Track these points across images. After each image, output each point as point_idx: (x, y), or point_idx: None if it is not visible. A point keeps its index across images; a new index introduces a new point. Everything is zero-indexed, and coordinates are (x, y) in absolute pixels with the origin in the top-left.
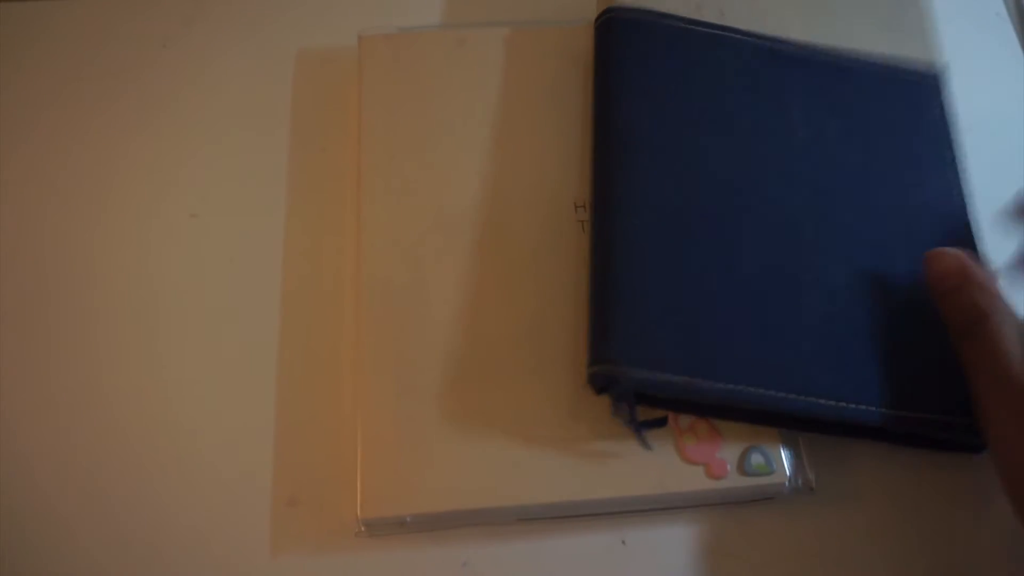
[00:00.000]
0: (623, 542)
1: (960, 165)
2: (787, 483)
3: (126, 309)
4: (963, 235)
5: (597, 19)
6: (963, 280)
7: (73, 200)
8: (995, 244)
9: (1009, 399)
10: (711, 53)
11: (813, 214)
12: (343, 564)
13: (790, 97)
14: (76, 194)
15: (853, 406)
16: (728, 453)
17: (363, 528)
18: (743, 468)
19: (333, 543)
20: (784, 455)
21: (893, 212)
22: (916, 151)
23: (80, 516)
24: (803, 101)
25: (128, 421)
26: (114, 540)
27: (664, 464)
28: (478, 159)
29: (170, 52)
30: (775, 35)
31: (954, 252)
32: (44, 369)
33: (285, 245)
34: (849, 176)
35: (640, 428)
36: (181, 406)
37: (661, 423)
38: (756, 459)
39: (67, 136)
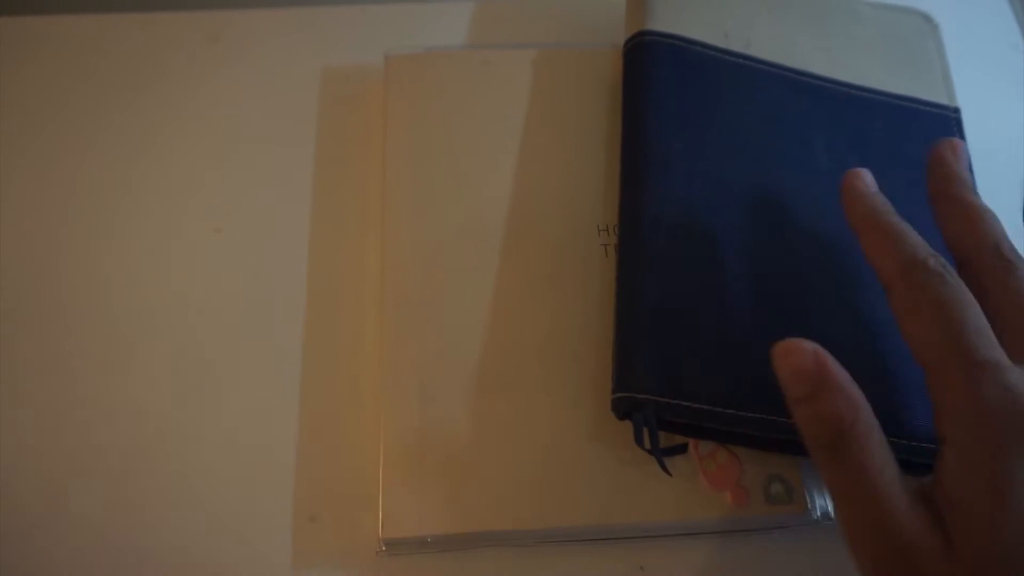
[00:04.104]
0: (641, 568)
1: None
2: (808, 512)
3: (150, 324)
4: None
5: (627, 43)
6: (820, 385)
7: (98, 214)
8: None
9: (876, 540)
10: (738, 81)
11: (835, 244)
12: None
13: (812, 128)
14: (101, 208)
15: None
16: (749, 481)
17: (384, 547)
18: (764, 496)
19: (354, 561)
20: (805, 483)
21: None
22: None
23: (102, 529)
24: (824, 133)
25: (151, 435)
26: (135, 553)
27: (684, 491)
28: (501, 179)
29: (196, 68)
30: (798, 68)
31: (810, 348)
32: (67, 383)
33: (309, 260)
34: None
35: (661, 454)
36: (204, 421)
37: (682, 450)
38: (777, 487)
39: (93, 150)
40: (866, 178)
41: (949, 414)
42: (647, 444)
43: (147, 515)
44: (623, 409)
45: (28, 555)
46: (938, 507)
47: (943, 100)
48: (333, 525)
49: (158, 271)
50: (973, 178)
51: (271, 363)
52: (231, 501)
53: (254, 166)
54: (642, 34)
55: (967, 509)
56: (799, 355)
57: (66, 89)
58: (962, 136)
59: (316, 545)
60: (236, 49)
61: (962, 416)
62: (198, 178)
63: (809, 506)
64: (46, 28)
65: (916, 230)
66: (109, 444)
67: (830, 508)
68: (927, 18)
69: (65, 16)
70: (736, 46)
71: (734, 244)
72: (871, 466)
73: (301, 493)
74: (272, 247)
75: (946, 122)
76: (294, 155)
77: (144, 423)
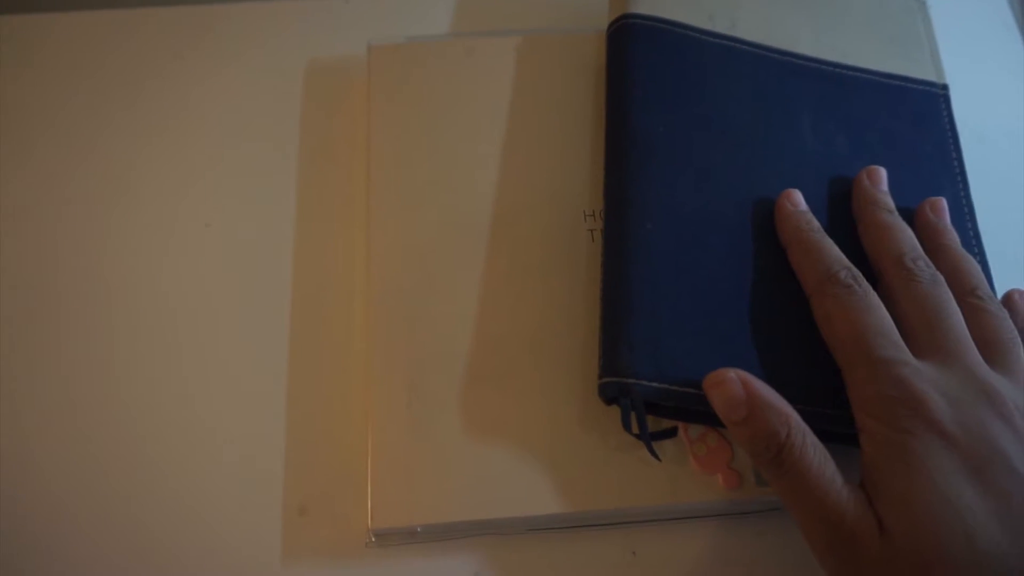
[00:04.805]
0: (633, 553)
1: (965, 178)
2: None
3: (139, 318)
4: (968, 247)
5: (610, 26)
6: (752, 407)
7: (86, 210)
8: (999, 255)
9: (826, 530)
10: (723, 63)
11: (822, 226)
12: (353, 573)
13: (799, 109)
14: (89, 204)
15: None
16: (740, 463)
17: (373, 538)
18: (755, 478)
19: (343, 552)
20: None
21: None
22: (921, 164)
23: (91, 523)
24: (811, 113)
25: (140, 429)
26: (125, 548)
27: (675, 475)
28: (487, 167)
29: (182, 63)
30: (785, 48)
31: (734, 376)
32: (56, 376)
33: (295, 252)
34: None
35: (650, 439)
36: (192, 414)
37: (671, 434)
38: None
39: (80, 146)
40: (794, 197)
41: (859, 406)
42: (635, 429)
43: (136, 509)
44: (609, 394)
45: (14, 550)
46: (867, 491)
47: (931, 77)
48: (322, 518)
49: (146, 265)
50: (966, 189)
51: (259, 357)
52: (220, 495)
53: (242, 159)
54: (625, 17)
55: (883, 487)
56: (727, 384)
57: (51, 86)
58: (950, 112)
59: (306, 538)
60: (221, 43)
61: (867, 406)
62: (186, 173)
63: None
64: (28, 26)
65: (911, 207)
66: (96, 437)
67: None
68: None
69: (49, 14)
70: (721, 27)
71: (719, 227)
72: (810, 468)
73: (290, 486)
74: (261, 240)
75: (934, 99)
76: (280, 148)
77: (131, 417)
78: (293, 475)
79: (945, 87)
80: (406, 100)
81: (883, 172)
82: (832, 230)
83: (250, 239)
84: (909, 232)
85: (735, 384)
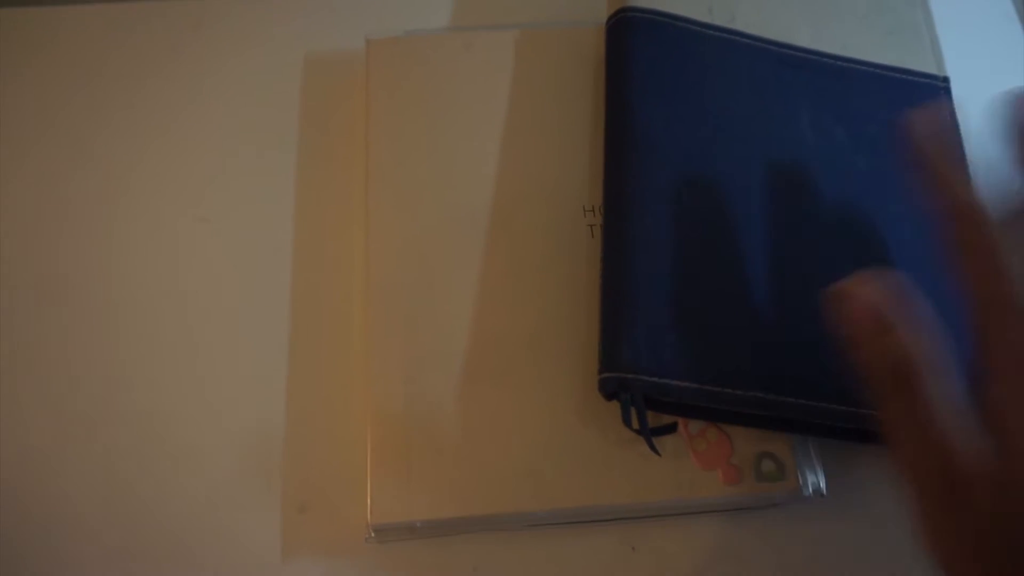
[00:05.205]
0: (633, 548)
1: (967, 169)
2: (798, 489)
3: (135, 314)
4: None
5: (609, 19)
6: (890, 322)
7: (82, 205)
8: None
9: (933, 479)
10: (722, 56)
11: (822, 219)
12: (353, 570)
13: (799, 102)
14: (85, 199)
15: (864, 411)
16: (740, 459)
17: (373, 534)
18: (755, 474)
19: (343, 549)
20: (796, 460)
21: (899, 217)
22: None
23: (91, 520)
24: (811, 107)
25: (138, 425)
26: (125, 544)
27: (675, 470)
28: (486, 162)
29: (178, 57)
30: (784, 41)
31: (875, 285)
32: (54, 373)
33: (294, 248)
34: (856, 182)
35: (650, 434)
36: (190, 411)
37: (671, 429)
38: (767, 465)
39: (76, 141)
40: (931, 116)
41: (1000, 348)
42: (635, 424)
43: (136, 506)
44: (609, 389)
45: (14, 546)
46: (990, 435)
47: (932, 69)
48: (322, 514)
49: (142, 262)
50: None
51: (258, 353)
52: (220, 492)
53: (239, 154)
54: (624, 10)
55: (1014, 435)
56: (873, 288)
57: (45, 82)
58: (951, 104)
59: (305, 535)
60: (218, 37)
61: (1008, 349)
62: (182, 167)
63: (800, 483)
64: (22, 20)
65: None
66: (95, 435)
67: (821, 484)
68: None
69: (44, 8)
70: (720, 20)
71: (720, 221)
72: (940, 401)
73: (290, 483)
74: (258, 235)
75: (935, 92)
76: (278, 142)
77: (131, 414)
78: (293, 472)
79: (946, 79)
80: (405, 94)
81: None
82: (833, 222)
83: (248, 235)
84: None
85: (877, 292)
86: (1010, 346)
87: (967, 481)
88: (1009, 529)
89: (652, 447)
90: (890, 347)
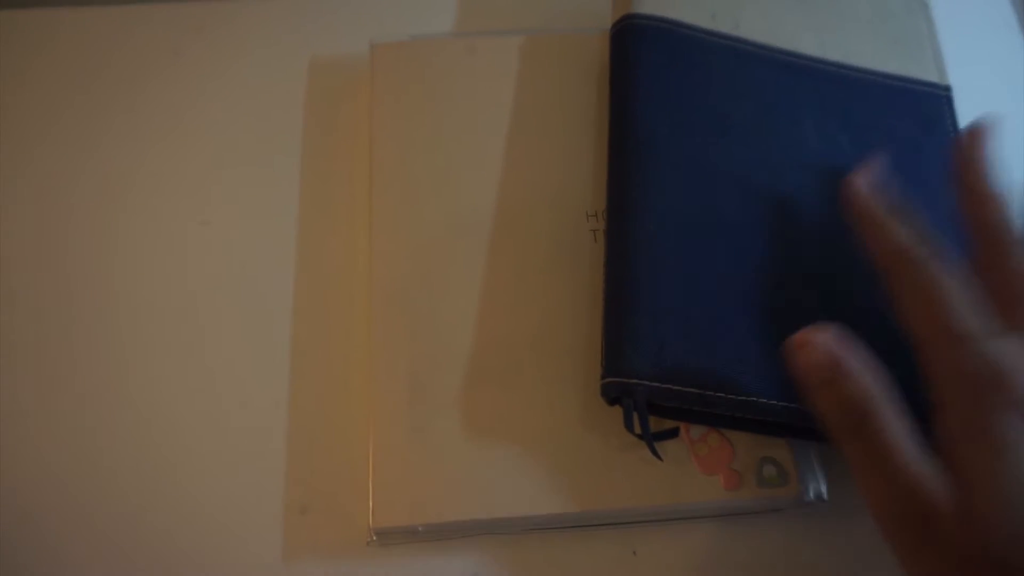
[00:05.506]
0: (634, 553)
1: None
2: (800, 494)
3: (137, 317)
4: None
5: (613, 26)
6: (836, 372)
7: (84, 208)
8: None
9: (901, 504)
10: (726, 63)
11: (826, 227)
12: (354, 572)
13: (802, 110)
14: (87, 202)
15: None
16: (741, 464)
17: (375, 537)
18: (756, 479)
19: (345, 551)
20: (797, 466)
21: None
22: (925, 166)
23: (92, 521)
24: (815, 114)
25: (140, 428)
26: (126, 546)
27: (676, 475)
28: (489, 167)
29: (181, 60)
30: (788, 48)
31: (823, 338)
32: (55, 375)
33: (297, 253)
34: None
35: (652, 439)
36: (192, 412)
37: (673, 434)
38: (769, 470)
39: (78, 144)
40: (868, 174)
41: (941, 382)
42: (637, 429)
43: (137, 508)
44: (612, 394)
45: (14, 547)
46: (947, 470)
47: (934, 78)
48: (324, 516)
49: (146, 265)
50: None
51: (260, 356)
52: (221, 494)
53: (241, 158)
54: (629, 17)
55: (964, 464)
56: (814, 346)
57: (48, 83)
58: (953, 114)
59: (307, 536)
60: (221, 40)
61: (951, 382)
62: (184, 171)
63: (801, 488)
64: (23, 22)
65: (907, 208)
66: (96, 436)
67: (823, 490)
68: None
69: (46, 9)
70: (724, 27)
71: (723, 228)
72: (894, 438)
73: (292, 485)
74: (260, 239)
75: (937, 101)
76: (281, 146)
77: (132, 416)
78: (295, 474)
79: (948, 88)
80: (409, 99)
81: (987, 131)
82: (836, 229)
83: (252, 238)
84: (1012, 208)
85: (823, 346)
86: (952, 379)
87: (934, 515)
88: (982, 557)
89: (654, 452)
90: (841, 394)
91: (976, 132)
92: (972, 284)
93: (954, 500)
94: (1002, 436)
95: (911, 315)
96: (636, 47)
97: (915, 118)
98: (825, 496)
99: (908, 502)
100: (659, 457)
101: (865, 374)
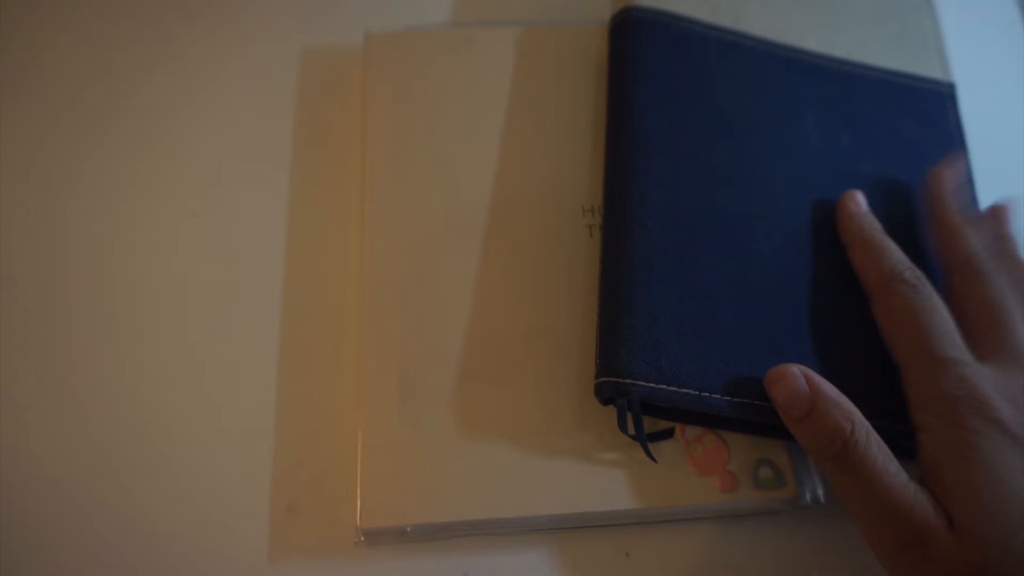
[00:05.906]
0: (627, 555)
1: (971, 178)
2: (797, 497)
3: (125, 310)
4: None
5: (612, 19)
6: (813, 403)
7: (74, 199)
8: None
9: (894, 528)
10: (727, 58)
11: (825, 224)
12: (342, 573)
13: (804, 106)
14: (76, 193)
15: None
16: (737, 466)
17: (362, 537)
18: (752, 481)
19: (332, 551)
20: (794, 467)
21: (904, 224)
22: (928, 163)
23: (78, 520)
24: (817, 110)
25: (126, 424)
26: (112, 544)
27: (671, 476)
28: (484, 160)
29: (171, 50)
30: (790, 44)
31: (795, 372)
32: (41, 370)
33: (287, 246)
34: (860, 186)
35: (646, 440)
36: (179, 409)
37: (668, 435)
38: (765, 472)
39: (67, 135)
40: (857, 197)
41: (919, 404)
42: (631, 430)
43: (123, 506)
44: (606, 394)
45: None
46: (933, 490)
47: (937, 75)
48: (311, 515)
49: (133, 257)
50: (971, 188)
51: (248, 352)
52: (207, 492)
53: (231, 149)
54: (628, 10)
55: (949, 484)
56: (789, 379)
57: (37, 74)
58: (956, 112)
59: (294, 535)
60: (212, 29)
61: (929, 404)
62: (174, 162)
63: (798, 491)
64: (6, 11)
65: (908, 208)
66: (83, 433)
67: (819, 492)
68: None
69: None
70: (725, 21)
71: (721, 225)
72: (875, 464)
73: (279, 483)
74: (250, 232)
75: (940, 98)
76: (272, 137)
77: (118, 413)
78: (282, 472)
79: (951, 86)
80: (403, 90)
81: (952, 172)
82: (835, 231)
83: (241, 231)
84: (978, 235)
85: (798, 379)
86: (936, 399)
87: (931, 536)
88: (983, 571)
89: (648, 453)
90: (819, 425)
91: (944, 168)
92: (948, 313)
93: (945, 519)
94: (987, 453)
95: (895, 338)
96: (636, 40)
97: (918, 115)
98: (822, 499)
99: (904, 526)
100: (653, 458)
101: (841, 404)
